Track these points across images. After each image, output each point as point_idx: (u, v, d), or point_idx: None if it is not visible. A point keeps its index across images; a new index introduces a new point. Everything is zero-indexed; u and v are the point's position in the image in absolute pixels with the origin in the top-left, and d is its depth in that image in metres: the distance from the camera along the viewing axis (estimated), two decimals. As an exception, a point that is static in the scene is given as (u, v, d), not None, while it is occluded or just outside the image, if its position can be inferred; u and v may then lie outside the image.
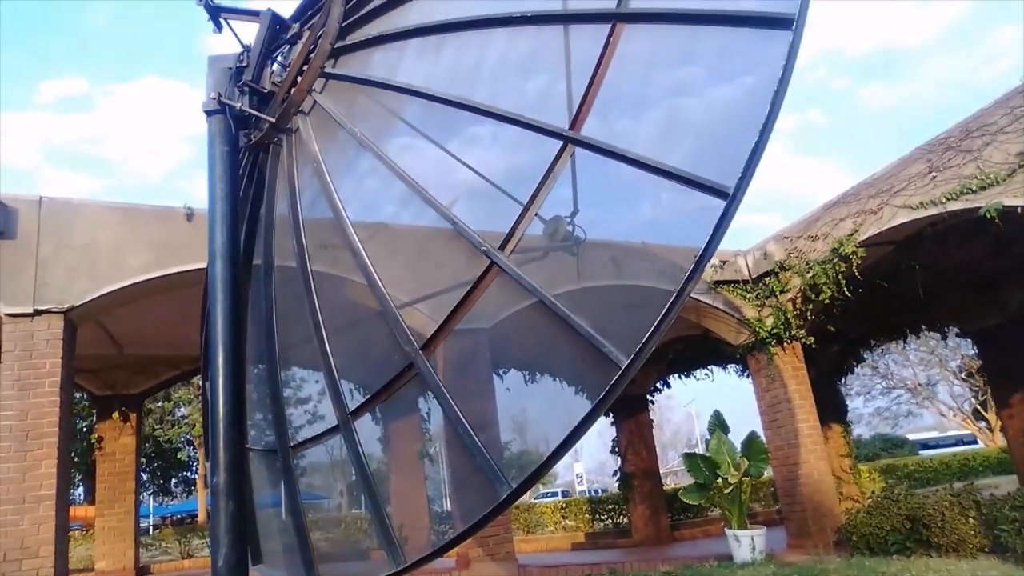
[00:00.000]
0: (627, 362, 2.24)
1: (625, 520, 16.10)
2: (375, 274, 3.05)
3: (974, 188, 7.28)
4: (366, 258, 2.96)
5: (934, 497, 7.72)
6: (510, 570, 8.30)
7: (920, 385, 46.06)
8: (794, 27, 2.19)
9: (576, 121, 2.51)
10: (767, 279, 10.30)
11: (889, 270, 9.51)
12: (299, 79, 3.47)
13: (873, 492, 11.17)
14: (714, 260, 10.65)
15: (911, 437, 46.42)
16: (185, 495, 37.81)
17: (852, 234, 8.92)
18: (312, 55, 3.41)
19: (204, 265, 7.78)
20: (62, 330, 7.70)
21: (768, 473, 11.31)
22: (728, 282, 10.56)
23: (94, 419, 13.33)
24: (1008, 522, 6.63)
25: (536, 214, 2.83)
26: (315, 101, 3.41)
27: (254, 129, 3.58)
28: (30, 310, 7.62)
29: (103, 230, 8.20)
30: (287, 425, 3.38)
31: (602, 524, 17.15)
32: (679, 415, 62.98)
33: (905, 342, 15.21)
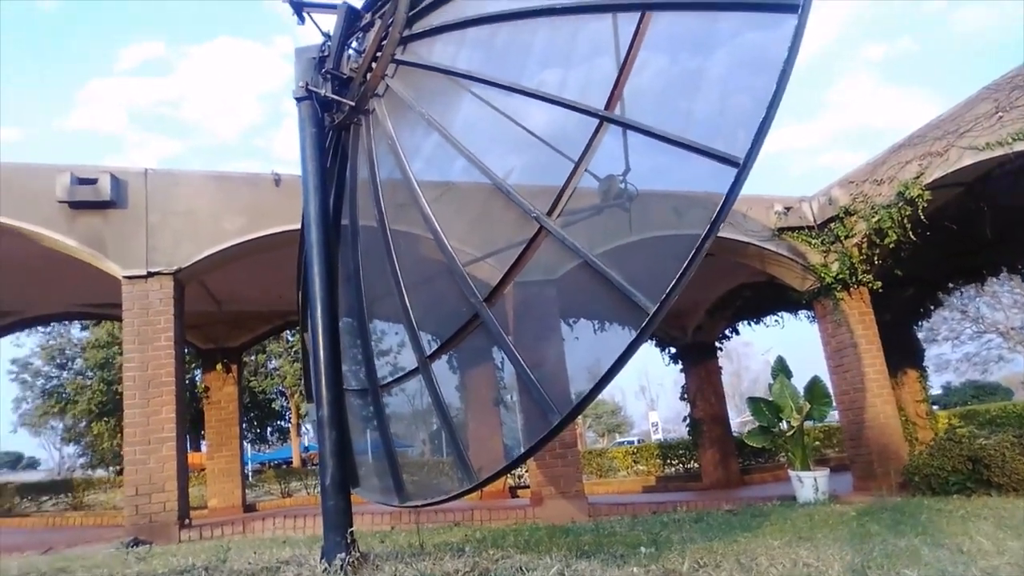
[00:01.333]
0: (654, 309, 2.64)
1: (695, 465, 16.51)
2: (442, 234, 3.54)
3: (1041, 128, 7.17)
4: (435, 221, 3.45)
5: (996, 439, 7.82)
6: (580, 507, 8.87)
7: (1013, 329, 44.05)
8: (800, 10, 2.50)
9: (611, 100, 2.88)
10: (832, 224, 10.31)
11: (959, 212, 9.40)
12: (373, 64, 3.95)
13: (936, 435, 11.17)
14: (778, 207, 10.72)
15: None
16: (280, 443, 40.21)
17: (918, 177, 8.85)
18: (384, 42, 3.87)
19: (292, 227, 8.54)
20: (172, 289, 8.59)
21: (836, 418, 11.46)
22: (793, 228, 10.61)
23: (199, 371, 14.60)
24: (1067, 460, 6.74)
25: (586, 170, 3.23)
26: (388, 85, 3.87)
27: (337, 111, 4.09)
28: (144, 272, 8.52)
29: (201, 197, 9.01)
30: (375, 368, 3.96)
31: (673, 468, 17.63)
32: (758, 363, 62.69)
33: (983, 284, 14.80)
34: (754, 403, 10.24)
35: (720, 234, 10.46)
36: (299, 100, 3.99)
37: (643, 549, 4.00)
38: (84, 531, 11.42)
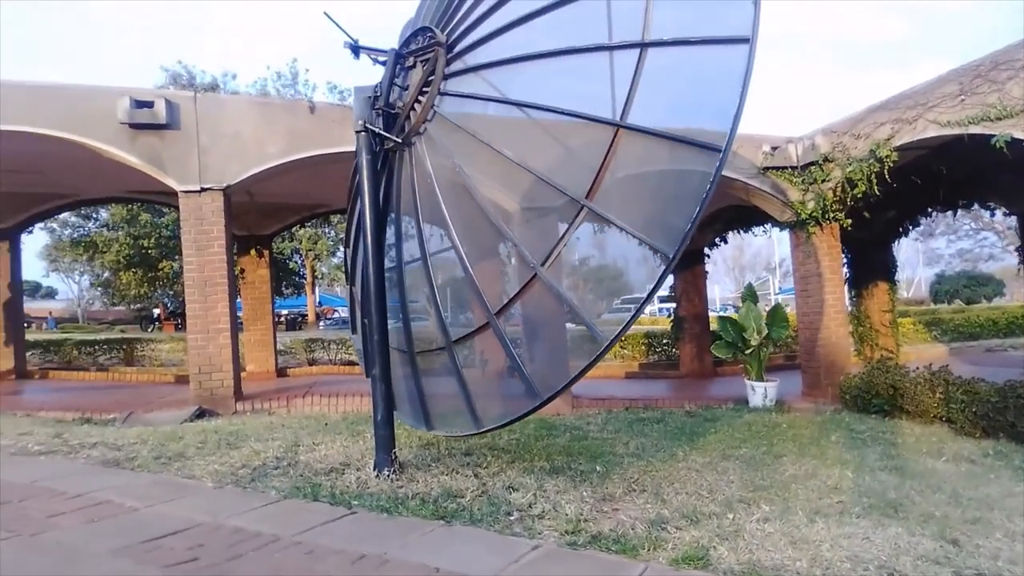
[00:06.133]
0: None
1: (676, 352, 18.35)
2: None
3: (992, 117, 8.09)
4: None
5: (915, 373, 9.37)
6: (566, 400, 10.63)
7: (1010, 228, 45.09)
8: (750, 43, 3.68)
9: (624, 112, 4.07)
10: (812, 167, 11.36)
11: (923, 170, 10.42)
12: (417, 106, 5.07)
13: (879, 358, 12.79)
14: (766, 148, 11.72)
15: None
16: (294, 295, 42.84)
17: (889, 139, 9.83)
18: (423, 95, 4.98)
19: (325, 151, 9.68)
20: (222, 203, 9.88)
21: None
22: (777, 168, 11.67)
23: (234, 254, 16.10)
24: (957, 401, 8.30)
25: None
26: (427, 128, 5.03)
27: (387, 140, 5.25)
28: (198, 188, 9.78)
29: (245, 121, 10.06)
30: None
31: (655, 356, 19.52)
32: (760, 239, 65.26)
33: (955, 215, 15.88)
34: (723, 322, 11.79)
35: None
36: (358, 132, 5.14)
37: (597, 468, 5.63)
38: (144, 389, 13.32)
